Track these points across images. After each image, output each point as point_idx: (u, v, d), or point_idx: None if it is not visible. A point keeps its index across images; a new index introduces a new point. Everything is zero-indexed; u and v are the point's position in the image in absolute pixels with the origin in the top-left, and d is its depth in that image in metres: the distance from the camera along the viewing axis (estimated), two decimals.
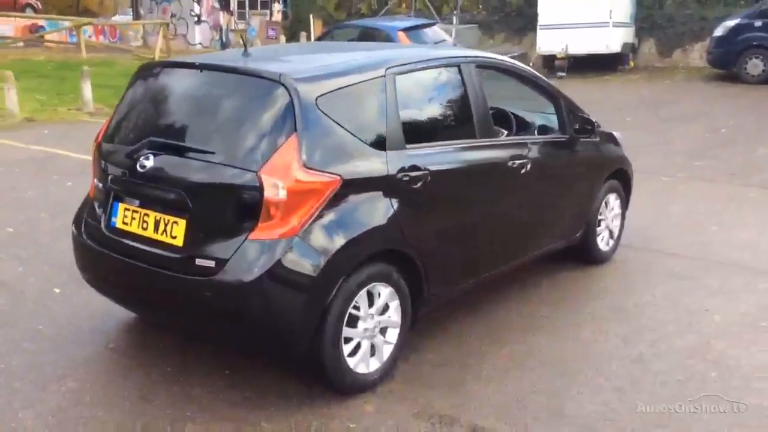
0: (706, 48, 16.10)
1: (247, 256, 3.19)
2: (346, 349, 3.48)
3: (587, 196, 5.20)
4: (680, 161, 9.31)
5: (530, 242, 4.73)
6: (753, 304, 4.79)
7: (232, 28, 28.03)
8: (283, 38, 23.73)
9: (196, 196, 3.35)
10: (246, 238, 3.21)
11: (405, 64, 3.87)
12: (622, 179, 5.64)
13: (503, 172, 4.27)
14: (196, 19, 28.53)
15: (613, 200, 5.57)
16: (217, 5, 28.29)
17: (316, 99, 3.36)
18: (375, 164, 3.52)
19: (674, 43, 18.20)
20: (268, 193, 3.18)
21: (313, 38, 20.94)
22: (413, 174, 3.66)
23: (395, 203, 3.57)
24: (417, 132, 3.89)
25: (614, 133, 5.72)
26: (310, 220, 3.25)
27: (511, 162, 4.30)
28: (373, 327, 3.59)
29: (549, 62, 17.97)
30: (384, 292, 3.61)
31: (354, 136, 3.47)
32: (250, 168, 3.22)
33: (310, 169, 3.26)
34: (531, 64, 19.18)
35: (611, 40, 16.84)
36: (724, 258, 5.66)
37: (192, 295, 3.32)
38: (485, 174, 4.19)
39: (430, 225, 3.81)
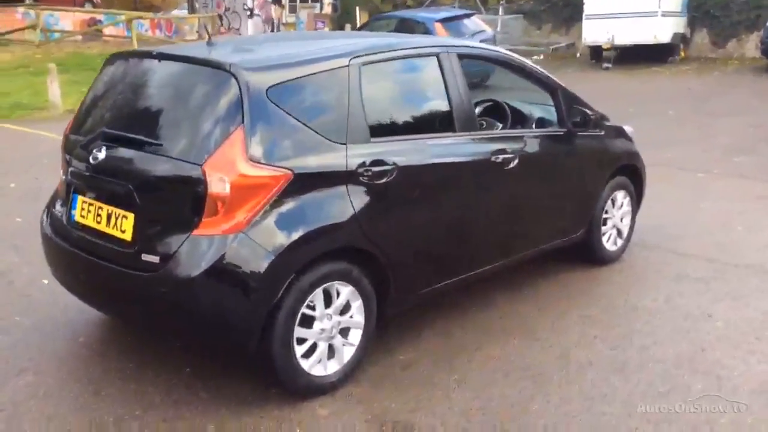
0: (760, 37, 15.35)
1: (190, 252, 3.10)
2: (300, 350, 3.35)
3: (589, 192, 4.94)
4: (719, 156, 8.89)
5: (520, 241, 4.51)
6: (762, 311, 4.47)
7: (283, 21, 28.24)
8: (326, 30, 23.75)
9: (143, 189, 3.27)
10: (190, 234, 3.11)
11: (373, 54, 3.70)
12: (631, 176, 5.34)
13: (485, 167, 4.06)
14: (248, 12, 28.75)
15: (622, 197, 5.29)
16: None
17: (268, 89, 3.23)
18: (332, 158, 3.38)
19: (728, 33, 17.45)
20: (213, 188, 3.07)
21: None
22: (377, 169, 3.50)
23: (355, 199, 3.42)
24: (386, 125, 3.75)
25: (624, 127, 5.43)
26: (257, 216, 3.13)
27: (494, 157, 4.09)
28: (331, 327, 3.44)
29: (597, 53, 17.45)
30: (344, 291, 3.47)
31: (310, 128, 3.33)
32: (196, 161, 3.12)
33: (258, 162, 3.14)
34: (578, 55, 18.72)
35: (660, 30, 16.21)
36: (743, 260, 5.32)
37: (139, 290, 3.25)
38: (462, 169, 3.98)
39: (398, 222, 3.65)
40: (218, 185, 3.07)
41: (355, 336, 3.59)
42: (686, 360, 3.84)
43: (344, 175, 3.39)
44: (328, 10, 28.86)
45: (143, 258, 3.19)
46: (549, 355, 3.93)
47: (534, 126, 4.86)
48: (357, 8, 22.43)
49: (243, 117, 3.14)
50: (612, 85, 14.65)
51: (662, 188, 7.28)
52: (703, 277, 5.01)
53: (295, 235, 3.20)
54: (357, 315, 3.57)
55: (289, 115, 3.28)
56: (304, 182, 3.26)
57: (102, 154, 3.38)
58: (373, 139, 3.56)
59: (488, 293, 4.66)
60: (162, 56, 3.55)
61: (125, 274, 3.25)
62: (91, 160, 3.41)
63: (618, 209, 5.27)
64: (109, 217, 3.38)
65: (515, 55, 4.60)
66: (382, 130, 3.67)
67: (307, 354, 3.40)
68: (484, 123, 4.84)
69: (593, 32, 16.91)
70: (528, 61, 4.66)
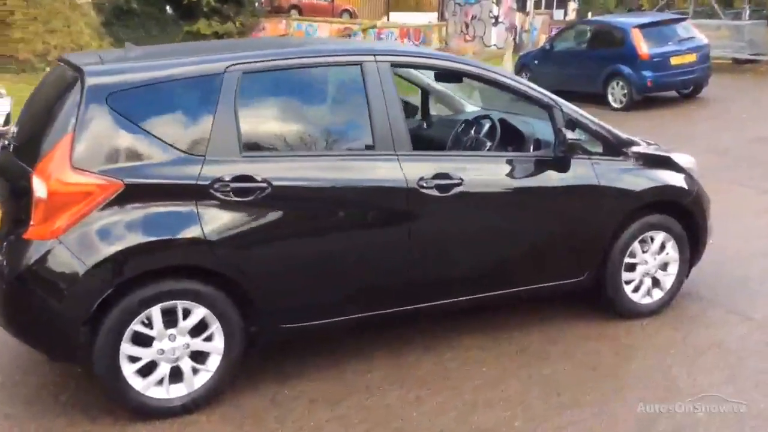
0: None
1: (15, 255, 3.13)
2: (131, 368, 3.21)
3: (592, 229, 4.09)
4: None
5: (470, 281, 3.86)
6: None
7: (525, 29, 27.76)
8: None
9: (5, 191, 3.39)
10: (20, 236, 3.13)
11: (261, 62, 3.42)
12: (682, 216, 4.35)
13: (405, 193, 3.53)
14: (493, 20, 28.65)
15: (662, 240, 4.31)
16: (514, 6, 28.14)
17: (109, 95, 3.14)
18: (181, 171, 3.19)
19: None
20: (36, 193, 3.07)
21: None
22: (239, 185, 3.24)
23: (205, 216, 3.20)
24: (268, 139, 3.49)
25: (674, 156, 4.44)
26: (77, 225, 3.06)
27: (423, 182, 3.56)
28: (174, 349, 3.26)
29: None
30: (196, 312, 3.27)
31: (157, 138, 3.18)
32: (30, 165, 3.14)
33: (84, 170, 3.07)
34: None
35: None
36: None
37: None
38: (365, 194, 3.51)
39: (268, 247, 3.35)
40: (40, 190, 3.06)
41: (214, 361, 3.36)
42: None
43: (194, 189, 3.19)
44: (572, 16, 27.78)
45: None
46: (437, 417, 3.36)
47: (532, 149, 4.15)
48: (589, 13, 21.22)
49: (76, 122, 3.09)
50: None
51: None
52: (740, 350, 3.94)
53: (115, 248, 3.08)
54: (217, 339, 3.34)
55: (133, 122, 3.16)
56: (137, 194, 3.12)
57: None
58: (246, 154, 3.30)
59: (456, 331, 4.13)
60: (61, 60, 3.63)
61: None
62: None
63: (653, 254, 4.31)
64: None
65: (483, 65, 3.96)
66: (261, 145, 3.41)
67: (145, 374, 3.25)
68: (471, 141, 4.31)
69: None
70: (508, 73, 3.98)
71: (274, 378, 3.66)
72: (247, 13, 25.29)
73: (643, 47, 12.05)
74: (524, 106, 4.43)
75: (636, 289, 4.33)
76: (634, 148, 4.22)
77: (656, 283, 4.38)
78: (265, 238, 3.34)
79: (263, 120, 3.49)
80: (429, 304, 3.78)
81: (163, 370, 3.28)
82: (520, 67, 14.76)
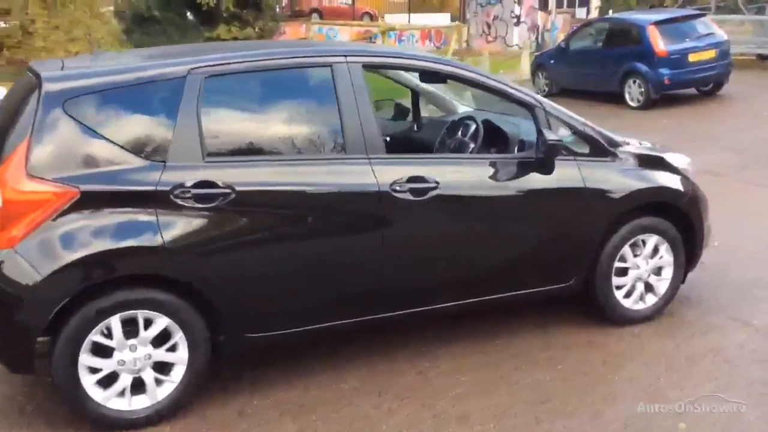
0: None
1: None
2: (92, 379, 3.13)
3: (581, 233, 3.93)
4: None
5: (444, 289, 3.73)
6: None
7: (547, 28, 27.47)
8: None
9: None
10: None
11: (225, 64, 3.33)
12: (676, 218, 4.16)
13: (378, 199, 3.42)
14: (515, 20, 28.36)
15: (655, 243, 4.13)
16: (536, 5, 27.86)
17: (65, 101, 3.07)
18: (140, 177, 3.11)
19: None
20: None
21: None
22: (200, 191, 3.16)
23: (165, 223, 3.11)
24: (233, 144, 3.39)
25: (668, 156, 4.26)
26: (32, 233, 2.99)
27: (395, 186, 3.45)
28: (135, 360, 3.17)
29: None
30: (158, 321, 3.19)
31: (115, 144, 3.10)
32: None
33: (40, 178, 3.00)
34: None
35: None
36: None
37: None
38: (339, 200, 3.41)
39: (233, 254, 3.25)
40: None
41: (179, 372, 3.28)
42: None
43: (153, 196, 3.11)
44: (595, 14, 27.44)
45: None
46: (408, 429, 3.25)
47: (516, 150, 4.01)
48: (611, 11, 20.92)
49: (32, 129, 3.03)
50: None
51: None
52: (735, 359, 3.75)
53: (71, 257, 3.00)
54: (181, 349, 3.26)
55: (90, 128, 3.09)
56: (94, 201, 3.05)
57: None
58: (209, 160, 3.21)
59: (444, 339, 4.00)
60: (27, 68, 3.58)
61: None
62: None
63: (645, 258, 4.13)
64: None
65: (462, 64, 3.83)
66: (225, 150, 3.32)
67: (106, 385, 3.17)
68: (455, 144, 4.19)
69: None
70: (488, 73, 3.85)
71: (246, 388, 3.57)
72: (267, 18, 25.23)
73: (660, 44, 11.76)
74: (516, 106, 4.31)
75: (628, 295, 4.16)
76: (625, 149, 4.06)
77: (650, 288, 4.21)
78: (228, 246, 3.24)
79: (228, 124, 3.39)
80: (406, 311, 3.66)
81: (125, 381, 3.19)
82: (536, 67, 14.55)
